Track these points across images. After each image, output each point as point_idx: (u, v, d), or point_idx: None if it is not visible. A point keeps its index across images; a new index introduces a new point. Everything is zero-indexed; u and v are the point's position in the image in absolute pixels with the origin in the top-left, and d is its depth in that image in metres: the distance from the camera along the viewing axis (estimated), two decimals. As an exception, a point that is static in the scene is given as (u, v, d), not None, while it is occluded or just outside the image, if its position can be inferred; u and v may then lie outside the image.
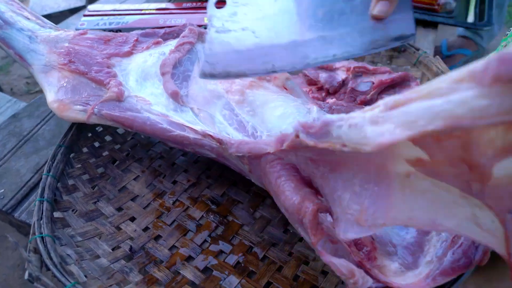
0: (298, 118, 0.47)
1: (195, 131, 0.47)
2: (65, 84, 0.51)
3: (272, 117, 0.49)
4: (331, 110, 0.48)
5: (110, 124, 0.51)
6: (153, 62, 0.54)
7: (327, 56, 0.42)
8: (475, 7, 0.83)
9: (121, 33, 0.59)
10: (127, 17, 0.82)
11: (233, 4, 0.43)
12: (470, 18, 0.82)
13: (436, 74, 0.56)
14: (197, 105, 0.51)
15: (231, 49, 0.42)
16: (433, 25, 0.78)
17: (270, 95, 0.52)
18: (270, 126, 0.48)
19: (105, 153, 0.57)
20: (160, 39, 0.59)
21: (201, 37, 0.58)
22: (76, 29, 0.81)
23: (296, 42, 0.41)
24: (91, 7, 0.89)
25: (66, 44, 0.54)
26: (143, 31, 0.61)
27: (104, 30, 0.80)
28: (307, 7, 0.42)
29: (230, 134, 0.48)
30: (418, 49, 0.59)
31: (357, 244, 0.37)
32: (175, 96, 0.50)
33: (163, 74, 0.52)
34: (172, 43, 0.58)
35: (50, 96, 0.51)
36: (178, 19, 0.79)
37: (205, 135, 0.46)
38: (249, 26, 0.42)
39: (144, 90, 0.52)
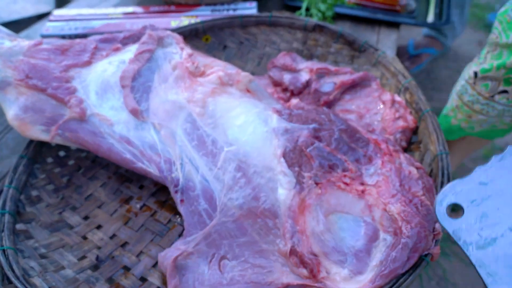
0: (258, 127, 0.49)
1: (158, 167, 0.49)
2: (24, 101, 0.50)
3: (233, 127, 0.50)
4: (290, 117, 0.50)
5: (74, 146, 0.51)
6: (113, 72, 0.54)
7: None
8: (435, 7, 0.86)
9: (79, 40, 0.59)
10: (93, 22, 0.81)
11: (472, 204, 0.31)
12: (430, 18, 0.85)
13: (394, 74, 0.58)
14: (158, 119, 0.51)
15: None
16: (395, 25, 0.81)
17: (232, 102, 0.53)
18: (230, 138, 0.49)
19: (71, 162, 0.57)
20: (119, 45, 0.59)
21: (161, 43, 0.58)
22: (41, 35, 0.80)
23: None
24: (56, 12, 0.87)
25: (21, 57, 0.53)
26: (102, 36, 0.60)
27: (70, 36, 0.79)
28: None
29: (190, 154, 0.49)
30: (377, 49, 0.61)
31: (303, 262, 0.39)
32: (135, 113, 0.51)
33: (123, 87, 0.52)
34: (132, 49, 0.58)
35: (10, 113, 0.50)
36: (145, 24, 0.78)
37: (165, 177, 0.49)
38: None
39: (106, 103, 0.52)
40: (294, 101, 0.56)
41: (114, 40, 0.60)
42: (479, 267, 0.29)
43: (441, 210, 0.30)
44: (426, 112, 0.52)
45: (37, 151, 0.54)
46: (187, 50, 0.59)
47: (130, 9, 0.84)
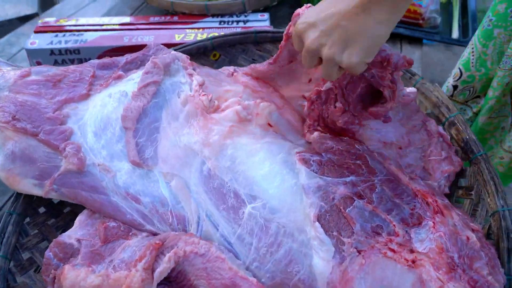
0: (286, 179, 0.42)
1: (171, 228, 0.43)
2: (11, 148, 0.43)
3: (257, 176, 0.43)
4: (321, 168, 0.42)
5: (72, 202, 0.44)
6: (114, 107, 0.46)
7: None
8: (459, 21, 0.78)
9: (73, 68, 0.50)
10: (86, 34, 0.72)
11: None
12: (455, 34, 0.77)
13: (436, 105, 0.51)
14: (168, 167, 0.44)
15: None
16: (418, 41, 0.73)
17: (253, 144, 0.45)
18: (255, 190, 0.42)
19: (67, 209, 0.50)
20: (121, 72, 0.51)
21: (167, 71, 0.50)
22: (26, 50, 0.71)
23: None
24: (42, 20, 0.78)
25: (7, 93, 0.45)
26: (100, 61, 0.52)
27: (60, 50, 0.70)
28: None
29: (207, 209, 0.43)
30: (414, 74, 0.54)
31: None
32: (136, 165, 0.44)
33: (125, 129, 0.44)
34: (134, 77, 0.50)
35: (-4, 163, 0.43)
36: (145, 37, 0.70)
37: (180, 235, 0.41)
38: None
39: (106, 147, 0.45)
40: (316, 133, 0.48)
41: (114, 66, 0.52)
42: None
43: None
44: (479, 155, 0.45)
45: (27, 202, 0.47)
46: (197, 77, 0.51)
47: (127, 19, 0.75)
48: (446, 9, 0.82)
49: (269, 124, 0.50)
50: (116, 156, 0.45)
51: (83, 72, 0.51)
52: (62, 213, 0.50)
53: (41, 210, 0.49)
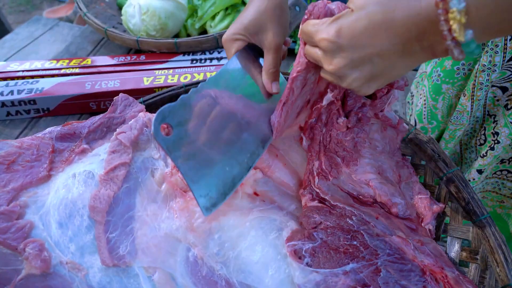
0: (281, 270, 0.38)
1: None
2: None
3: (249, 263, 0.39)
4: (316, 259, 0.38)
5: None
6: (80, 192, 0.40)
7: None
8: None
9: (29, 142, 0.44)
10: (42, 80, 0.65)
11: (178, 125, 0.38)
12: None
13: (432, 158, 0.48)
14: (149, 260, 0.39)
15: None
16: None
17: (242, 224, 0.41)
18: (250, 278, 0.38)
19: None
20: (85, 146, 0.45)
21: (135, 145, 0.44)
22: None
23: None
24: (-9, 65, 0.69)
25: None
26: (59, 131, 0.45)
27: (12, 101, 0.63)
28: None
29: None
30: (407, 124, 0.50)
31: None
32: (112, 266, 0.38)
33: (95, 221, 0.39)
34: (101, 151, 0.44)
35: None
36: (109, 82, 0.63)
37: None
38: None
39: (73, 240, 0.39)
40: (303, 200, 0.45)
41: (76, 137, 0.46)
42: (185, 175, 0.37)
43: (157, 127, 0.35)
44: (483, 219, 0.43)
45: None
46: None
47: (88, 60, 0.68)
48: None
49: (256, 193, 0.45)
50: (87, 250, 0.39)
51: (41, 147, 0.44)
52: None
53: (2, 312, 0.42)
